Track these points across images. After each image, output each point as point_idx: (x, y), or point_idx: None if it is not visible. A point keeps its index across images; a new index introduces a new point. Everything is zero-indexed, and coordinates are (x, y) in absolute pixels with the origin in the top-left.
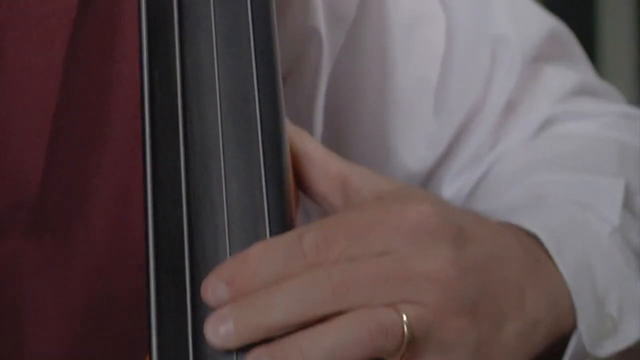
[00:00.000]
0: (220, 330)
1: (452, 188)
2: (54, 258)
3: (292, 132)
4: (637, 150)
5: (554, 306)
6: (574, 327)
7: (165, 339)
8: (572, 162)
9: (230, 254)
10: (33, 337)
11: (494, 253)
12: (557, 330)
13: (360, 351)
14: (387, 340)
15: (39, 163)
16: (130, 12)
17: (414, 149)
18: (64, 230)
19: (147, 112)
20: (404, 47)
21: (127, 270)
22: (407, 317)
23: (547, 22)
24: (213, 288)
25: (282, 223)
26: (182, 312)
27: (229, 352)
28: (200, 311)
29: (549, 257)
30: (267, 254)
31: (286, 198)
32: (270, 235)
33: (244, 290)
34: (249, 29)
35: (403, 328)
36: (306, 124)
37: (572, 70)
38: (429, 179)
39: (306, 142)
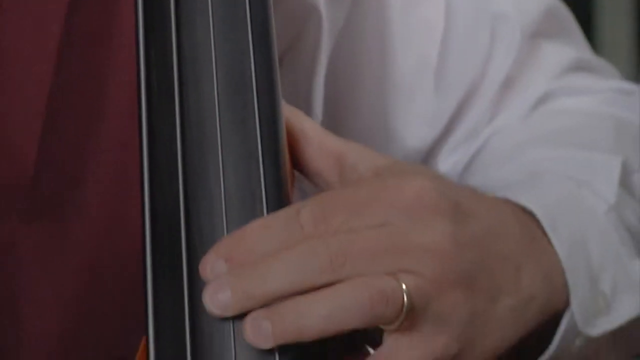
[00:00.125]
0: (218, 298)
1: (448, 163)
2: (49, 241)
3: (288, 112)
4: (634, 126)
5: (548, 283)
6: (567, 304)
7: (163, 319)
8: (569, 137)
9: (227, 233)
10: (29, 320)
11: (491, 228)
12: (550, 307)
13: (360, 317)
14: (388, 307)
15: (33, 146)
16: None
17: (414, 127)
18: (60, 213)
19: (143, 94)
20: (403, 26)
21: (123, 253)
22: (406, 286)
23: None
24: (212, 265)
25: (279, 202)
26: (179, 291)
27: (226, 325)
28: (198, 290)
29: (545, 233)
30: (264, 230)
31: (283, 177)
32: (267, 213)
33: (243, 265)
34: (245, 9)
35: (403, 296)
36: (305, 103)
37: (568, 46)
38: (427, 156)
39: (302, 121)
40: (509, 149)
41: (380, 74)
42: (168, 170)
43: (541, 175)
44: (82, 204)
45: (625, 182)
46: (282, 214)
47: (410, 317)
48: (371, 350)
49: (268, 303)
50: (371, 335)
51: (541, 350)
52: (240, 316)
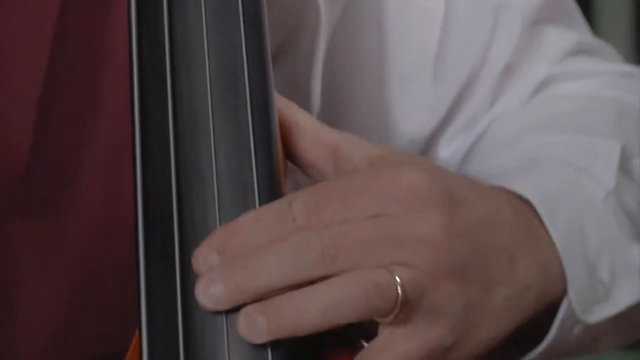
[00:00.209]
0: (210, 291)
1: (448, 150)
2: (44, 231)
3: (281, 104)
4: (635, 109)
5: (544, 272)
6: (564, 293)
7: (155, 313)
8: (569, 122)
9: (219, 225)
10: (24, 315)
11: (486, 218)
12: (546, 297)
13: (356, 311)
14: (383, 300)
15: (27, 135)
16: None
17: (414, 116)
18: (55, 209)
19: (135, 84)
20: (402, 16)
21: (119, 249)
22: (400, 279)
23: None
24: (204, 257)
25: (271, 193)
26: (172, 284)
27: (218, 319)
28: (190, 283)
29: (541, 222)
30: (257, 222)
31: (275, 168)
32: (260, 204)
33: (236, 258)
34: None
35: (397, 289)
36: (304, 94)
37: (570, 30)
38: (427, 144)
39: (295, 113)
40: (509, 135)
41: (379, 64)
42: (160, 163)
43: (540, 162)
44: (77, 200)
45: (624, 167)
46: (275, 205)
47: (405, 309)
48: (365, 344)
49: (261, 296)
50: (366, 329)
51: (540, 339)
52: (233, 310)
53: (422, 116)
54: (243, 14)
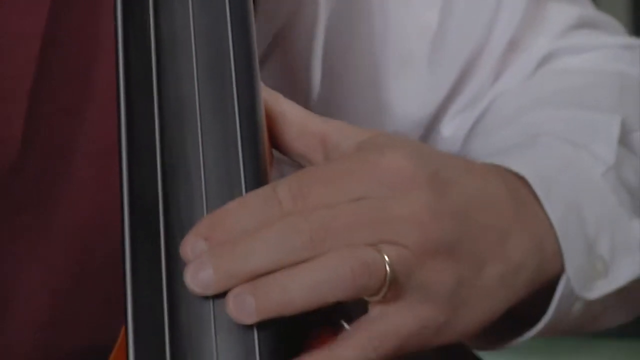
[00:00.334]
0: (199, 276)
1: (451, 128)
2: (36, 223)
3: (267, 95)
4: (638, 81)
5: (539, 250)
6: (561, 270)
7: (141, 299)
8: (570, 98)
9: (206, 214)
10: (16, 305)
11: (474, 197)
12: (543, 274)
13: (343, 289)
14: (371, 278)
15: (19, 125)
16: None
17: (415, 95)
18: (46, 195)
19: (121, 75)
20: None
21: (111, 240)
22: (388, 257)
23: None
24: (192, 245)
25: (258, 183)
26: (157, 271)
27: (205, 304)
28: (177, 271)
29: (537, 200)
30: (243, 208)
31: (262, 159)
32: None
33: (224, 244)
34: None
35: (385, 267)
36: (304, 78)
37: (573, 4)
38: (431, 123)
39: (282, 103)
40: (511, 112)
41: (378, 45)
42: (146, 153)
43: (539, 138)
44: (69, 192)
45: (625, 141)
46: (260, 191)
47: (393, 287)
48: (347, 326)
49: (249, 281)
50: (347, 311)
51: (539, 318)
52: (219, 295)
53: (424, 94)
54: (229, 6)
